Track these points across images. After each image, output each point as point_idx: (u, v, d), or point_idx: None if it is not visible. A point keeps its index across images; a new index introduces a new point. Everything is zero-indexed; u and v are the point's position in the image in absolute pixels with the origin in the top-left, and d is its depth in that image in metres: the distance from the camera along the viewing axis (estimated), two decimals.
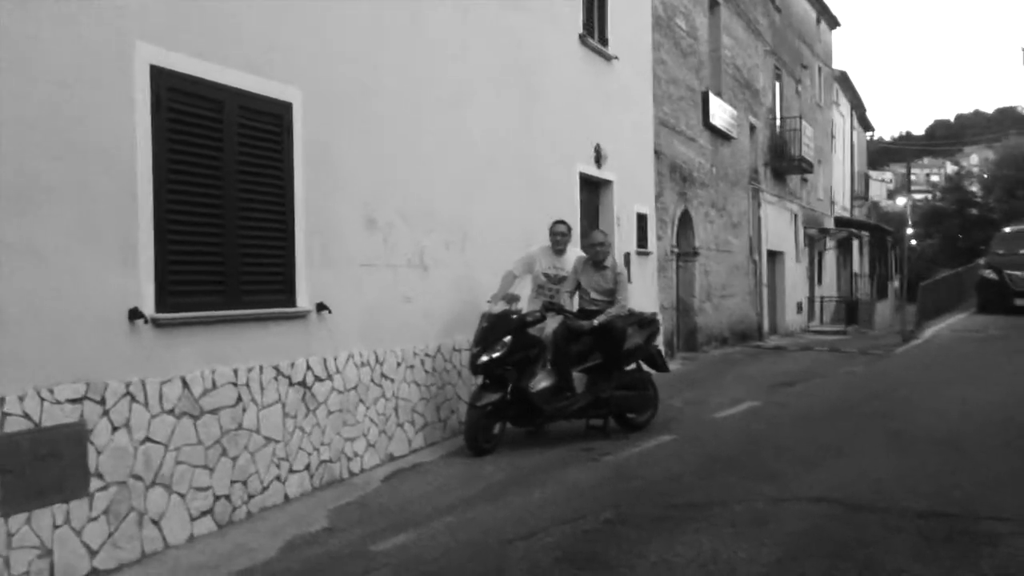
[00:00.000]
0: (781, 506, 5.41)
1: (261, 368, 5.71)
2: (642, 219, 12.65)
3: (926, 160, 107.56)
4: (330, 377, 6.32)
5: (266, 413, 5.71)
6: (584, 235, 10.91)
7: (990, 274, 18.00)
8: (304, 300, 6.10)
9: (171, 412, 5.03)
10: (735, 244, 18.00)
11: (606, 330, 7.31)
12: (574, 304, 7.66)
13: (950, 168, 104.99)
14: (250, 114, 5.66)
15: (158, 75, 5.03)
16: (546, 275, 7.72)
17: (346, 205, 6.59)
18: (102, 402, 4.62)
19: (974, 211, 39.34)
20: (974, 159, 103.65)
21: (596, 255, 7.53)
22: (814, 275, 26.12)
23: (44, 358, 4.35)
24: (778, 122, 22.17)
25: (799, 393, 9.84)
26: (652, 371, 7.98)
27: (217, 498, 5.29)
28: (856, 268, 32.99)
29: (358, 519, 5.45)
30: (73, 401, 4.47)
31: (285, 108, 5.99)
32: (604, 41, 11.42)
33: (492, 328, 7.07)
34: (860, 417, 8.13)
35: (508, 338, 7.00)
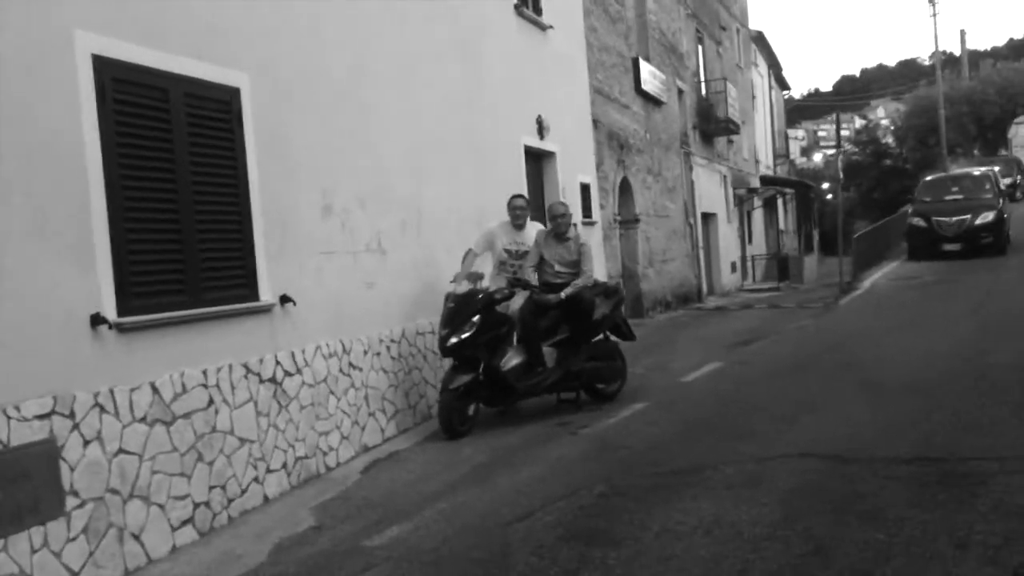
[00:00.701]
0: (769, 464, 5.42)
1: (230, 367, 5.47)
2: (585, 189, 12.61)
3: (834, 115, 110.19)
4: (299, 371, 6.11)
5: (239, 413, 5.48)
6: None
7: (919, 222, 18.47)
8: (267, 293, 5.86)
9: (143, 420, 4.77)
10: (672, 209, 18.13)
11: (574, 302, 7.23)
12: (536, 279, 7.55)
13: (859, 122, 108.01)
14: (197, 101, 5.38)
15: (101, 65, 4.72)
16: (507, 251, 7.60)
17: (302, 192, 6.35)
18: (71, 415, 4.35)
19: (888, 162, 40.41)
20: (880, 112, 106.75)
21: (558, 227, 7.43)
22: (744, 235, 26.57)
23: (6, 372, 4.07)
24: (703, 85, 22.34)
25: (757, 351, 9.95)
26: (619, 340, 7.93)
27: (197, 505, 5.06)
28: (782, 225, 33.71)
29: (345, 514, 5.28)
30: (41, 417, 4.19)
31: (233, 93, 5.71)
32: (538, 10, 11.28)
33: (459, 309, 6.92)
34: (824, 370, 8.25)
35: (476, 317, 6.87)
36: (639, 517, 4.65)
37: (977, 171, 21.09)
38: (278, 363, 5.90)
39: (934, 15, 36.09)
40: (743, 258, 25.83)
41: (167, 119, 5.15)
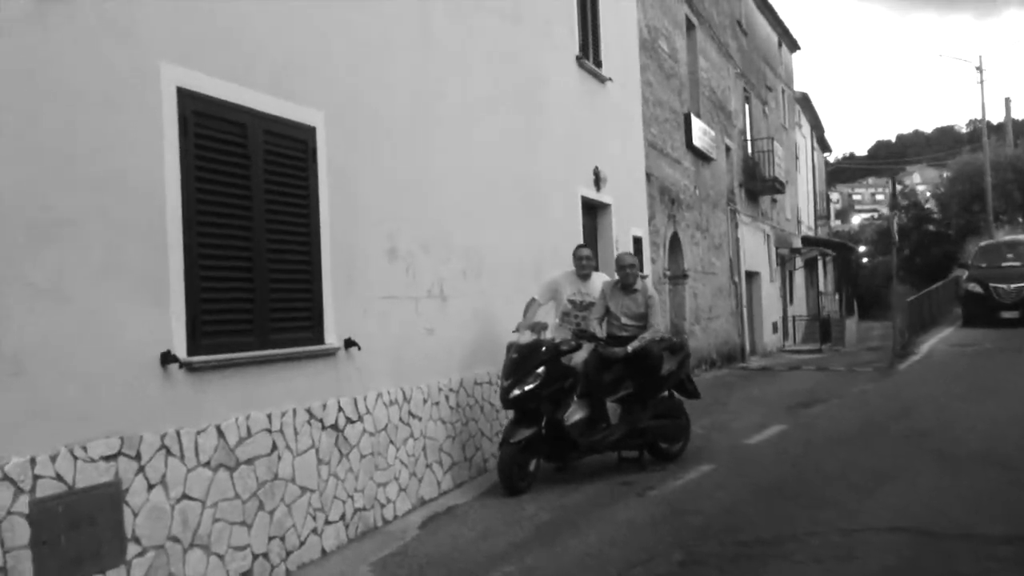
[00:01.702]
0: (856, 537, 5.12)
1: (294, 412, 5.28)
2: (638, 242, 12.41)
3: (871, 180, 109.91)
4: (360, 418, 5.90)
5: (301, 461, 5.27)
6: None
7: (975, 287, 18.06)
8: (332, 336, 5.69)
9: (207, 464, 4.58)
10: (718, 266, 17.88)
11: (641, 357, 6.99)
12: (602, 331, 7.32)
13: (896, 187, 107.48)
14: (275, 139, 5.27)
15: (185, 97, 4.63)
16: (572, 301, 7.38)
17: (368, 235, 6.21)
18: (137, 457, 4.17)
19: (931, 227, 39.90)
20: (916, 177, 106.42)
21: (626, 277, 7.22)
22: (786, 294, 26.20)
23: (74, 411, 3.90)
24: (749, 143, 22.23)
25: (821, 415, 9.60)
26: (683, 398, 7.66)
27: (255, 557, 4.83)
28: (821, 287, 33.27)
29: (406, 573, 5.02)
30: (107, 458, 4.01)
31: (309, 133, 5.61)
32: (598, 63, 11.21)
33: (523, 359, 6.70)
34: (895, 438, 7.90)
35: (541, 369, 6.64)
36: None
37: None
38: (340, 409, 5.71)
39: (981, 81, 35.75)
40: (784, 318, 25.43)
41: (245, 155, 5.04)
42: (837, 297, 33.68)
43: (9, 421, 3.61)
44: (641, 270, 12.23)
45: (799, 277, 28.78)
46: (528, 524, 5.83)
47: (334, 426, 5.61)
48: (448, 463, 6.93)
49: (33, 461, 3.67)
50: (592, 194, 10.74)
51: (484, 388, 7.64)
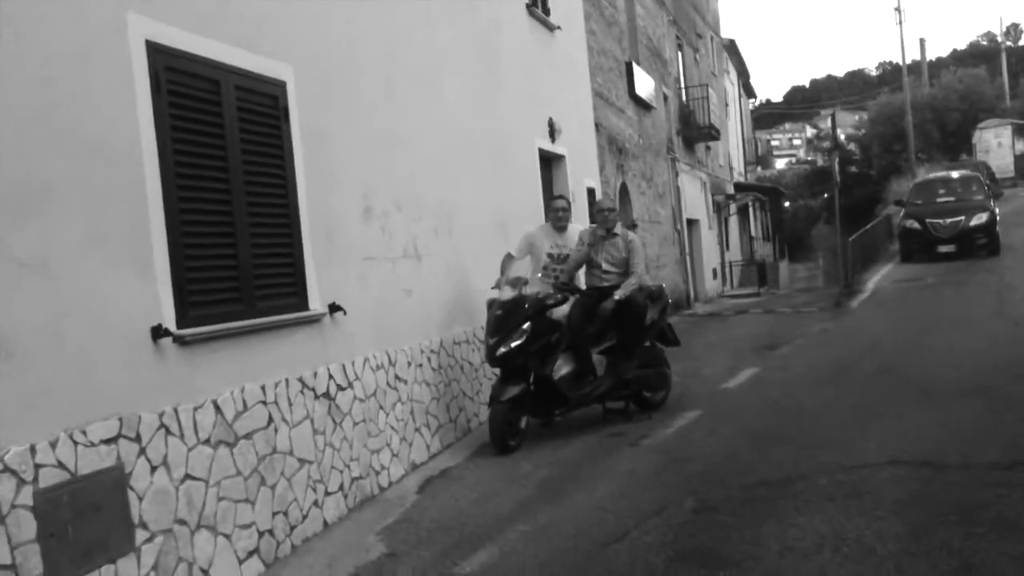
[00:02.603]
0: (859, 474, 5.15)
1: (287, 382, 5.05)
2: (591, 193, 12.29)
3: (787, 125, 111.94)
4: (351, 385, 5.70)
5: (297, 432, 5.06)
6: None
7: (913, 224, 18.46)
8: (316, 302, 5.45)
9: (207, 442, 4.34)
10: (662, 214, 17.94)
11: (625, 306, 6.90)
12: (580, 280, 7.21)
13: (810, 131, 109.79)
14: (247, 95, 4.97)
15: (155, 52, 4.30)
16: (550, 255, 7.22)
17: (344, 194, 5.95)
18: (137, 438, 3.91)
19: (854, 169, 40.86)
20: (830, 121, 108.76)
21: (606, 221, 7.10)
22: (723, 241, 26.53)
23: (71, 393, 3.63)
24: (684, 91, 22.25)
25: (789, 356, 9.70)
26: (663, 346, 7.62)
27: (261, 534, 4.62)
28: (753, 232, 33.82)
29: (416, 539, 4.87)
30: (107, 441, 3.75)
31: (279, 88, 5.30)
32: (547, 11, 10.97)
33: (507, 315, 6.55)
34: (869, 374, 8.01)
35: (527, 325, 6.50)
36: (747, 534, 4.35)
37: (967, 172, 21.23)
38: (331, 377, 5.49)
39: (900, 22, 36.43)
40: (723, 264, 25.77)
41: (219, 113, 4.73)
42: (769, 241, 34.37)
43: (4, 408, 3.33)
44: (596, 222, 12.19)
45: (733, 223, 29.15)
46: (528, 482, 5.74)
47: (326, 394, 5.40)
48: (435, 425, 6.77)
49: (33, 449, 3.39)
50: (548, 146, 10.57)
51: (463, 347, 7.49)
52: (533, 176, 10.01)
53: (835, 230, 39.15)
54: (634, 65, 15.94)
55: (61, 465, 3.50)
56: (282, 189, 5.25)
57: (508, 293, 6.76)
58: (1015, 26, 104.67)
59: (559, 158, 11.09)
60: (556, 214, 7.30)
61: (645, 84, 16.68)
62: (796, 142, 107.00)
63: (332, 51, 5.94)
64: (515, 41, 9.75)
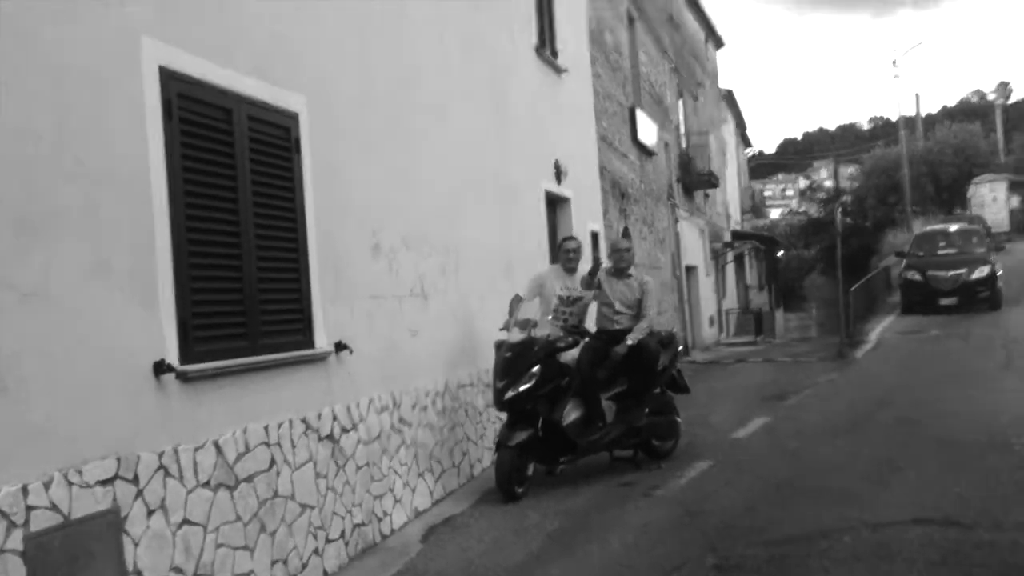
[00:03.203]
0: (886, 532, 4.94)
1: (291, 423, 4.84)
2: (595, 237, 12.18)
3: (780, 176, 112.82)
4: (355, 427, 5.48)
5: (299, 475, 4.83)
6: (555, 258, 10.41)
7: (914, 275, 18.40)
8: (322, 340, 5.26)
9: (207, 484, 4.12)
10: (662, 260, 17.82)
11: (638, 351, 6.73)
12: (590, 322, 7.04)
13: (803, 183, 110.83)
14: (259, 125, 4.83)
15: (168, 78, 4.16)
16: (560, 297, 7.04)
17: (353, 230, 5.79)
18: (135, 480, 3.70)
19: (849, 220, 40.95)
20: (823, 173, 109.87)
21: (621, 261, 6.95)
22: (719, 288, 26.43)
23: (68, 429, 3.42)
24: (684, 138, 22.29)
25: (799, 406, 9.50)
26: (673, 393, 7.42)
27: None
28: (749, 280, 33.76)
29: None
30: (104, 482, 3.53)
31: (292, 119, 5.17)
32: (555, 53, 10.94)
33: (516, 358, 6.36)
34: (885, 427, 7.81)
35: (536, 368, 6.31)
36: None
37: (967, 225, 21.24)
38: (335, 418, 5.28)
39: (896, 76, 36.81)
40: (719, 312, 25.64)
41: (230, 143, 4.58)
42: (765, 290, 34.29)
43: None
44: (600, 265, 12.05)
45: (729, 271, 29.08)
46: (537, 532, 5.50)
47: (330, 436, 5.19)
48: (439, 471, 6.54)
49: (25, 490, 3.18)
50: (554, 188, 10.46)
51: (468, 390, 7.28)
52: (539, 217, 9.89)
53: (831, 280, 39.08)
54: (637, 110, 15.93)
55: (54, 507, 3.28)
56: (291, 223, 5.09)
57: (517, 335, 6.58)
58: (1005, 84, 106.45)
59: (565, 200, 10.98)
60: (567, 255, 7.14)
61: (648, 130, 16.67)
62: (788, 193, 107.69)
63: (345, 82, 5.83)
64: (523, 82, 9.68)
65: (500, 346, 6.61)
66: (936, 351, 12.79)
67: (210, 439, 4.18)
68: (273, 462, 4.62)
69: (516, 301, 7.04)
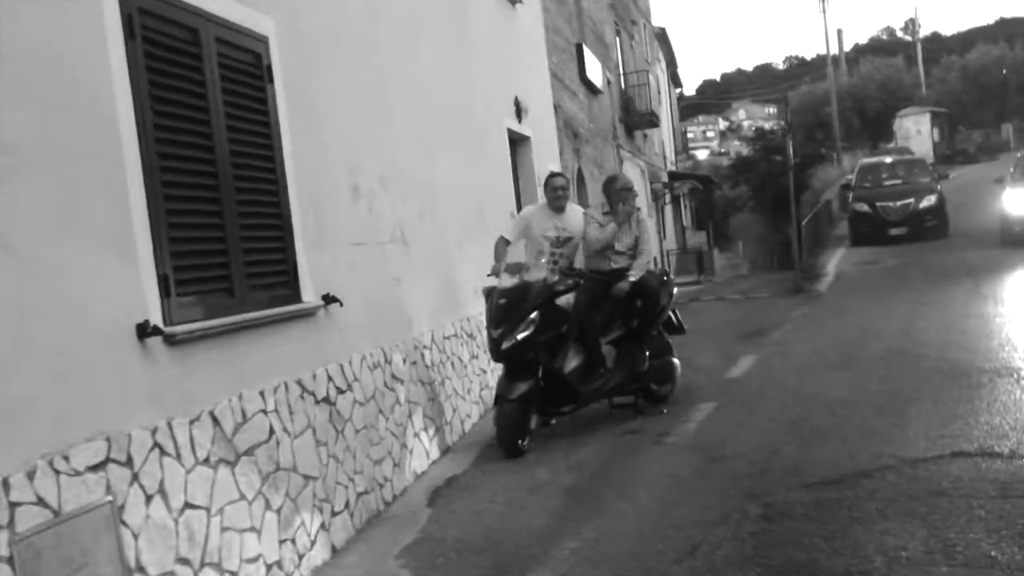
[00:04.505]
0: (930, 468, 4.66)
1: (286, 386, 4.30)
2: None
3: (700, 117, 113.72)
4: (350, 387, 4.96)
5: (299, 444, 4.31)
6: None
7: (863, 207, 18.39)
8: (310, 293, 4.70)
9: (206, 462, 3.58)
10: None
11: (640, 290, 6.32)
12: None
13: (722, 123, 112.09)
14: (228, 49, 4.20)
15: None
16: (547, 238, 6.53)
17: (332, 169, 5.21)
18: (128, 462, 3.14)
19: (779, 158, 41.24)
20: (741, 114, 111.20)
21: (626, 201, 6.51)
22: (660, 229, 26.31)
23: (47, 409, 2.85)
24: (623, 77, 21.85)
25: (783, 342, 9.24)
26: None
27: (268, 567, 3.87)
28: (685, 220, 33.84)
29: (447, 563, 4.19)
30: (94, 468, 2.97)
31: (262, 43, 4.54)
32: None
33: (512, 305, 5.88)
34: (881, 358, 7.56)
35: (535, 314, 5.85)
36: (838, 544, 3.81)
37: (912, 156, 21.35)
38: (330, 378, 4.75)
39: (824, 11, 36.92)
40: (661, 253, 25.55)
41: (199, 68, 3.96)
42: (700, 230, 34.41)
43: None
44: None
45: (667, 212, 29.00)
46: (553, 490, 5.09)
47: (326, 399, 4.66)
48: (432, 429, 6.07)
49: (6, 484, 2.61)
50: (515, 126, 9.93)
51: (452, 342, 6.80)
52: (504, 157, 9.38)
53: (759, 218, 39.28)
54: (584, 47, 15.41)
55: (41, 501, 2.72)
56: (269, 160, 4.50)
57: (508, 280, 6.09)
58: (913, 21, 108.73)
59: (525, 139, 10.46)
60: (555, 193, 6.64)
61: (594, 67, 16.19)
62: (710, 134, 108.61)
63: (313, 8, 5.19)
64: (481, 12, 9.07)
65: (491, 293, 6.12)
66: (901, 281, 12.74)
67: (205, 409, 3.63)
68: (272, 431, 4.08)
69: (502, 244, 6.54)
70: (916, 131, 36.71)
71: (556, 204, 6.62)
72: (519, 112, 10.07)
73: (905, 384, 6.52)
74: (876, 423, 5.62)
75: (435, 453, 5.99)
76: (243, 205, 4.18)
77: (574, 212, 6.76)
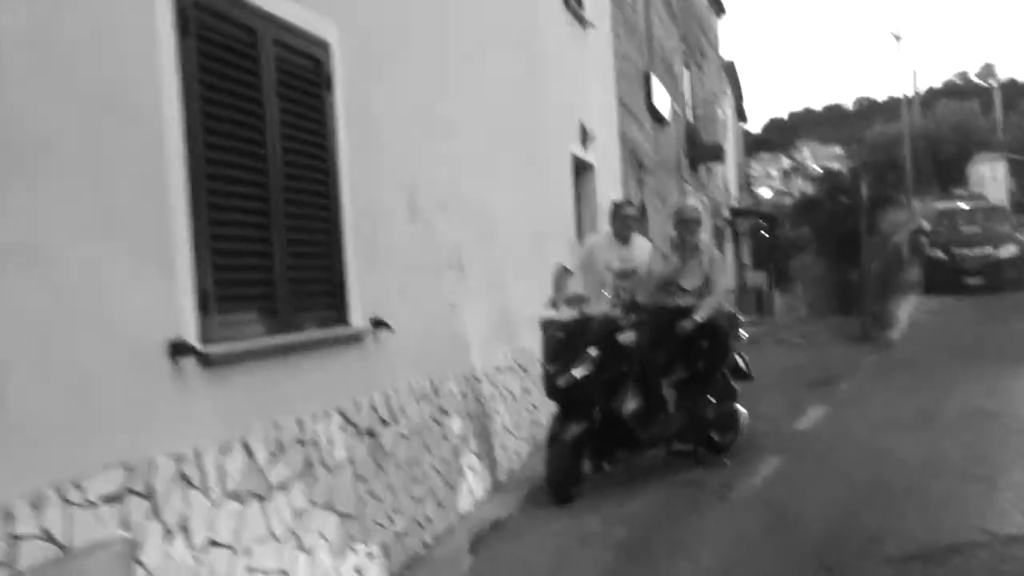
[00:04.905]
0: (1016, 547, 4.20)
1: (326, 415, 4.01)
2: None
3: (765, 155, 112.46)
4: (395, 419, 4.66)
5: (337, 479, 4.01)
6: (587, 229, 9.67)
7: (938, 253, 17.71)
8: (358, 316, 4.42)
9: (235, 496, 3.29)
10: (673, 236, 17.04)
11: (707, 330, 5.93)
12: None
13: (786, 162, 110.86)
14: (286, 53, 3.97)
15: None
16: (611, 269, 6.18)
17: (390, 187, 4.96)
18: (149, 494, 2.86)
19: (844, 199, 40.30)
20: (807, 153, 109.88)
21: (692, 234, 6.16)
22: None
23: (61, 431, 2.59)
24: (690, 109, 21.46)
25: (854, 393, 8.70)
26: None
27: None
28: (744, 258, 33.13)
29: None
30: (110, 500, 2.70)
31: (323, 49, 4.30)
32: (581, 4, 10.06)
33: (569, 339, 5.54)
34: (962, 418, 7.01)
35: (595, 350, 5.50)
36: None
37: (991, 202, 20.55)
38: (374, 408, 4.46)
39: (898, 48, 35.92)
40: None
41: (256, 72, 3.73)
42: (759, 270, 33.64)
43: None
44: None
45: (727, 249, 28.42)
46: (604, 543, 4.71)
47: (369, 431, 4.36)
48: (480, 467, 5.73)
49: (9, 514, 2.34)
50: (580, 152, 9.63)
51: (505, 374, 6.48)
52: (567, 184, 9.08)
53: (822, 261, 38.32)
54: (652, 75, 15.08)
55: (48, 536, 2.45)
56: (323, 175, 4.25)
57: (567, 313, 5.76)
58: (990, 66, 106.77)
59: (589, 167, 10.13)
60: (625, 222, 6.29)
61: (662, 96, 15.83)
62: (773, 173, 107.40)
63: (378, 13, 4.95)
64: (551, 33, 8.81)
65: (548, 325, 5.78)
66: (979, 334, 12.08)
67: (237, 437, 3.36)
68: (309, 464, 3.79)
69: (562, 273, 6.21)
70: (991, 177, 35.51)
71: (623, 234, 6.27)
72: (585, 138, 9.76)
73: (991, 449, 6.01)
74: (960, 490, 5.14)
75: (481, 493, 5.64)
76: (293, 219, 3.93)
77: (641, 244, 6.41)
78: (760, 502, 5.21)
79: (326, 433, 3.96)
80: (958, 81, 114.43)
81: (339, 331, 4.26)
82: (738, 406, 6.45)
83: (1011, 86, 59.80)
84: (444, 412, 5.30)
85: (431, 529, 4.86)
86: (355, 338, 4.40)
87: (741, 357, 6.55)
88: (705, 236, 6.55)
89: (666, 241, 14.88)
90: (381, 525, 4.34)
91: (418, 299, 5.18)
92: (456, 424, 5.45)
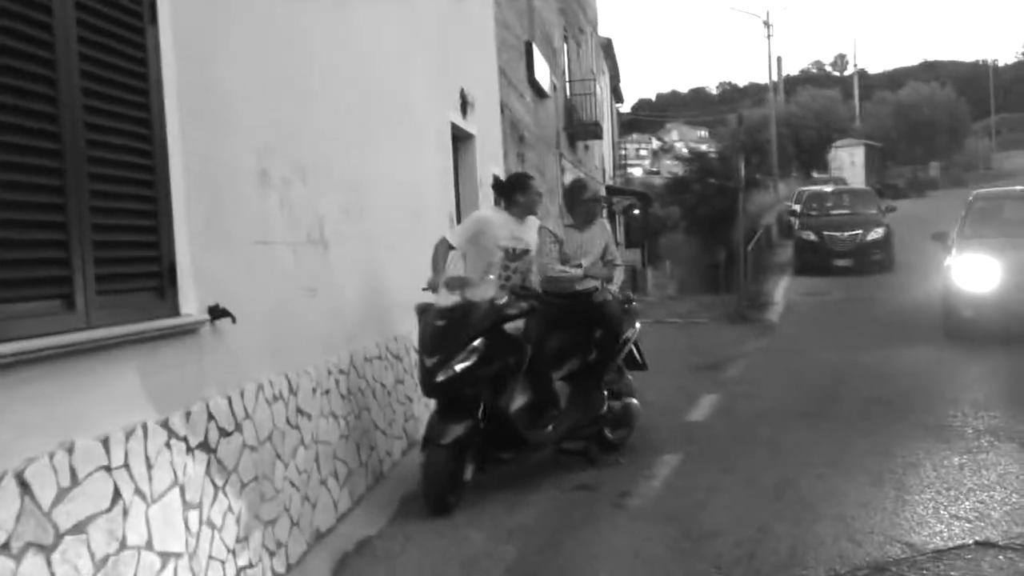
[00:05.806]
0: (956, 565, 3.82)
1: (145, 430, 3.17)
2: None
3: (634, 135, 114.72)
4: (239, 427, 3.85)
5: (158, 511, 3.18)
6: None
7: (809, 235, 17.84)
8: (191, 304, 3.59)
9: (4, 548, 2.44)
10: (552, 212, 16.57)
11: (600, 318, 5.34)
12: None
13: (655, 143, 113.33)
14: None
15: None
16: (501, 248, 5.47)
17: (234, 148, 4.11)
18: None
19: (713, 180, 41.08)
20: (675, 134, 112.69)
21: (591, 214, 5.54)
22: None
23: None
24: (568, 84, 21.04)
25: (744, 379, 8.38)
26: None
27: None
28: (618, 237, 33.25)
29: None
30: None
31: None
32: None
33: (451, 328, 4.84)
34: (859, 407, 6.73)
35: (479, 341, 4.81)
36: None
37: (859, 186, 20.99)
38: (211, 416, 3.64)
39: (768, 36, 36.72)
40: None
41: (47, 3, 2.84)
42: (637, 247, 33.84)
43: None
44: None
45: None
46: (492, 566, 4.07)
47: (203, 445, 3.54)
48: (344, 473, 4.96)
49: None
50: (459, 120, 8.90)
51: (374, 365, 5.72)
52: (446, 154, 8.35)
53: (691, 240, 39.04)
54: (534, 46, 14.49)
55: None
56: (144, 126, 3.39)
57: (448, 298, 5.06)
58: (843, 56, 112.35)
59: (469, 137, 9.44)
60: (534, 197, 5.59)
61: (543, 70, 15.29)
62: (643, 153, 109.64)
63: None
64: None
65: (425, 311, 5.07)
66: (854, 315, 12.09)
67: (10, 471, 2.51)
68: (117, 496, 2.96)
69: (443, 249, 5.42)
70: (850, 162, 36.98)
71: (529, 210, 5.58)
72: (465, 106, 9.04)
73: (897, 444, 5.69)
74: (873, 494, 4.75)
75: (345, 503, 4.88)
76: (99, 182, 3.07)
77: (531, 224, 5.73)
78: (662, 512, 4.67)
79: (143, 453, 3.13)
80: (814, 70, 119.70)
81: (165, 323, 3.41)
82: (634, 401, 5.92)
83: (862, 76, 62.66)
84: (302, 413, 4.51)
85: (283, 557, 4.08)
86: (188, 330, 3.56)
87: (636, 347, 6.01)
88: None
89: (548, 218, 14.37)
90: (220, 561, 3.54)
91: (270, 281, 4.37)
92: (316, 426, 4.67)
